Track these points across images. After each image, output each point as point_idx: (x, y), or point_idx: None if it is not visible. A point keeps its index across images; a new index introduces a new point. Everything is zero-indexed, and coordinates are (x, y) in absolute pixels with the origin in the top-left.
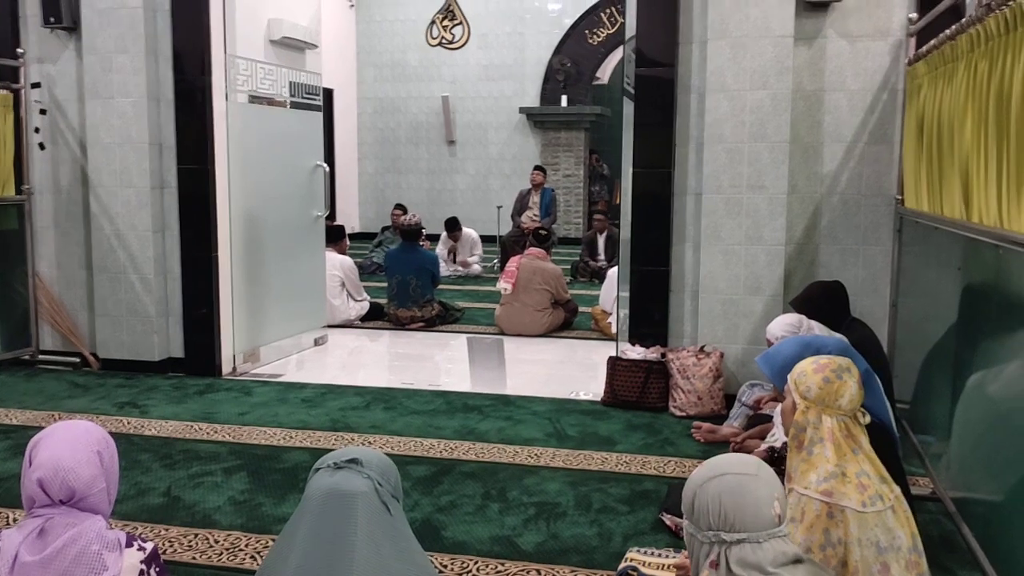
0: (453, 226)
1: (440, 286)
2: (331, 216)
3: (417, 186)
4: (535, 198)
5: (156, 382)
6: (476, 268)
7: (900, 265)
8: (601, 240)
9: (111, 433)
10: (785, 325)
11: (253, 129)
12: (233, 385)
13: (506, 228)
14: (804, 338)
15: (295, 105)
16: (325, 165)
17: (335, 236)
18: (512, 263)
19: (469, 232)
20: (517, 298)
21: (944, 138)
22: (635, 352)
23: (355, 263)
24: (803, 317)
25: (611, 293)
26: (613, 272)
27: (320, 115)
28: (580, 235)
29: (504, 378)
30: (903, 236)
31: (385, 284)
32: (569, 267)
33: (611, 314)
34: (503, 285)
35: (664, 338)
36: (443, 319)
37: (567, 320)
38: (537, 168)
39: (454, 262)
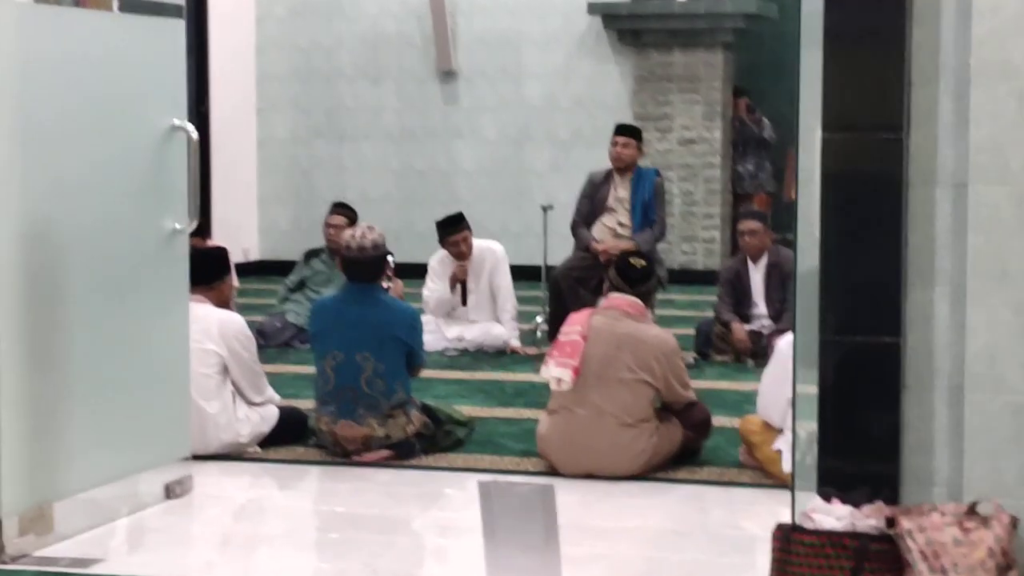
0: (452, 227)
1: (423, 372)
2: (202, 230)
3: (378, 165)
4: (621, 191)
5: None
6: (502, 333)
7: None
8: (758, 274)
9: None
10: None
11: (40, 54)
12: None
13: (561, 253)
14: None
15: (129, 6)
16: (191, 127)
17: (210, 271)
18: (574, 325)
19: (487, 247)
20: (584, 397)
21: None
22: (831, 515)
23: (249, 325)
24: None
25: (781, 388)
26: (786, 346)
27: (180, 24)
28: (716, 266)
29: (558, 567)
30: None
31: (312, 369)
32: (693, 333)
33: (781, 433)
34: (555, 371)
35: (892, 484)
36: (430, 442)
37: (687, 444)
38: (624, 131)
39: (463, 304)
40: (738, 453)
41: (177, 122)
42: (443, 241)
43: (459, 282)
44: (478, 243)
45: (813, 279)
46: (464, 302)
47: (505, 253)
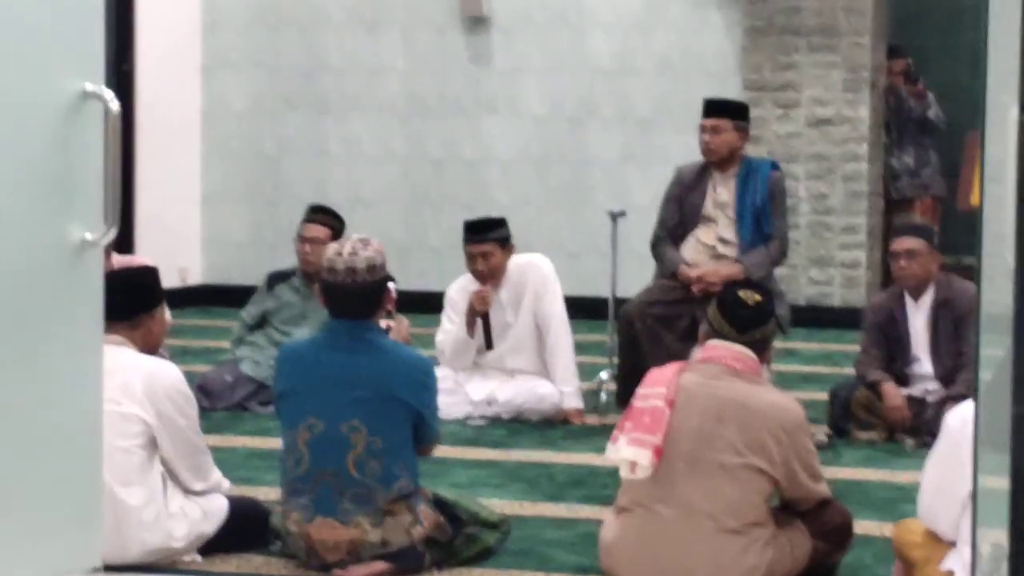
0: (473, 234)
1: (438, 449)
2: (124, 243)
3: (375, 150)
4: (722, 192)
5: None
6: (551, 393)
7: None
8: (919, 316)
9: None
10: None
11: None
12: None
13: (637, 280)
14: None
15: None
16: (109, 95)
17: (133, 301)
18: (655, 385)
19: (528, 262)
20: (670, 491)
21: None
22: None
23: (188, 378)
24: None
25: (954, 482)
26: (961, 421)
27: None
28: (860, 302)
29: None
30: None
31: (277, 442)
32: (827, 399)
33: (954, 547)
34: (628, 451)
35: None
36: (446, 550)
37: (817, 560)
38: (714, 109)
39: (488, 347)
40: (891, 574)
41: (90, 87)
42: (471, 243)
43: (478, 316)
44: (515, 259)
45: (1003, 324)
46: (489, 344)
47: (554, 270)
